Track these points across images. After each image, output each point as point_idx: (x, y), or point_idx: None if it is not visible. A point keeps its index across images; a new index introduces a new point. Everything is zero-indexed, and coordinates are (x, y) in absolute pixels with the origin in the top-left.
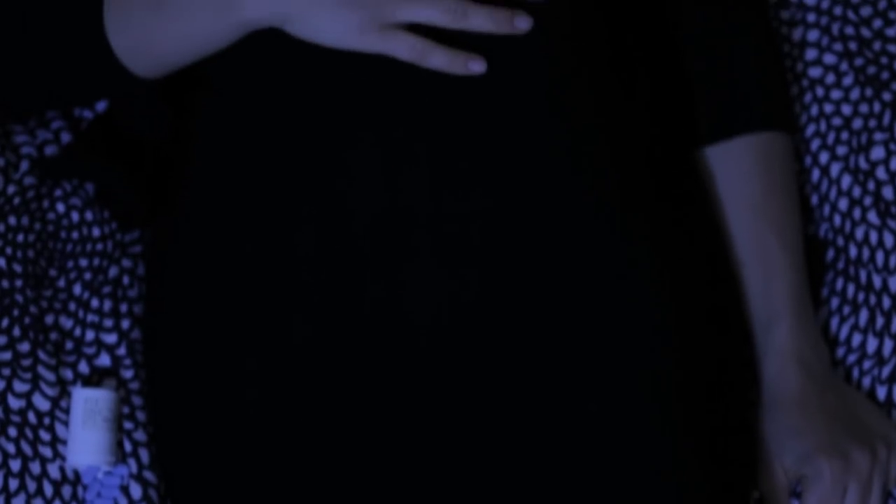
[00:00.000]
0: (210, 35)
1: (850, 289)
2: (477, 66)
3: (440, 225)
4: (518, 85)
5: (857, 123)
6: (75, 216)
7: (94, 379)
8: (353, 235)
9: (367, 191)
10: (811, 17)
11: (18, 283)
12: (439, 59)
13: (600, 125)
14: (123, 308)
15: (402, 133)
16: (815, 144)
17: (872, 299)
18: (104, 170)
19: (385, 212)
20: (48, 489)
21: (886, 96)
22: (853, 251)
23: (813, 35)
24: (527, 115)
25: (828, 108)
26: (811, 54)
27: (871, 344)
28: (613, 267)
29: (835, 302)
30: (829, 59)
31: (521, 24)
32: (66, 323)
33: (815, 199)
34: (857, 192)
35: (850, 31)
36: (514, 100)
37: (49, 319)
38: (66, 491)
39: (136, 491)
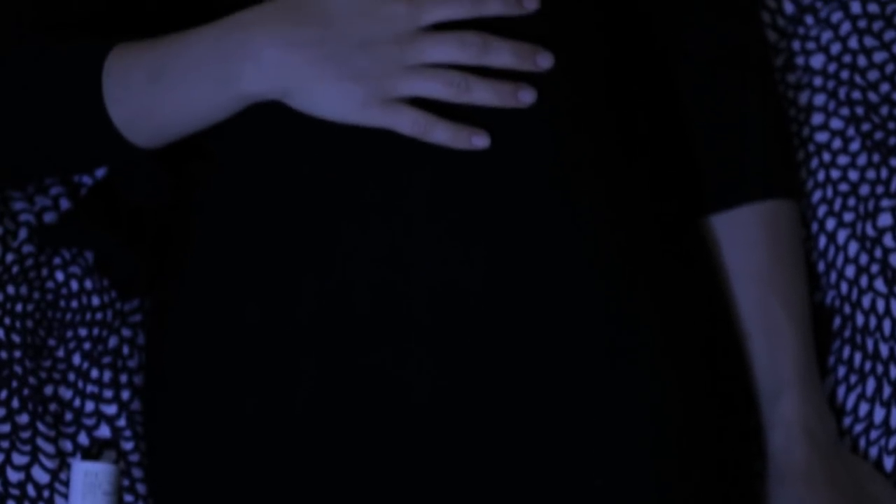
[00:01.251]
0: (210, 107)
1: (857, 357)
2: (480, 140)
3: (441, 299)
4: (521, 158)
5: (865, 190)
6: (74, 285)
7: (94, 450)
8: (354, 307)
9: (368, 262)
10: (818, 81)
11: (17, 353)
12: (442, 134)
13: (604, 198)
14: (123, 378)
15: (403, 205)
16: (821, 210)
17: (880, 368)
18: (103, 238)
19: (386, 284)
20: None
21: (894, 162)
22: (860, 319)
23: (819, 99)
24: (530, 189)
25: (835, 173)
26: (818, 119)
27: (879, 414)
28: (615, 341)
29: (841, 370)
30: (835, 123)
31: (525, 97)
32: (66, 394)
33: (821, 266)
34: (864, 259)
35: (857, 95)
36: (517, 173)
37: (48, 390)
38: None
39: None
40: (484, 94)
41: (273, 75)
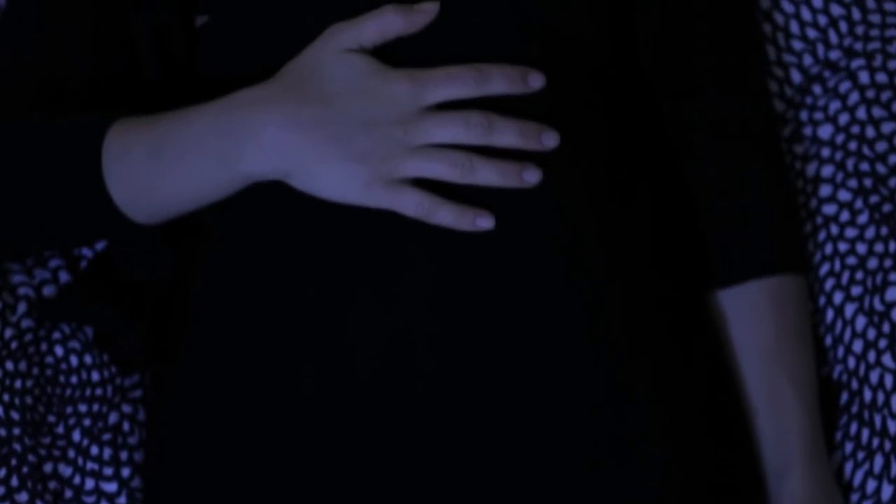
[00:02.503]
0: (210, 187)
1: (865, 434)
2: (485, 222)
3: (444, 383)
4: (523, 238)
5: (873, 263)
6: (74, 360)
7: None
8: (355, 388)
9: (368, 345)
10: (826, 153)
11: (16, 430)
12: (446, 216)
13: (606, 277)
14: (124, 456)
15: (404, 286)
16: (829, 284)
17: (888, 445)
18: (103, 313)
19: (387, 368)
20: None
21: None
22: (868, 395)
23: (827, 171)
24: (531, 270)
25: (842, 246)
26: (825, 191)
27: (886, 491)
28: (617, 424)
29: (849, 447)
30: (843, 195)
31: (530, 177)
32: (66, 471)
33: (828, 340)
34: (871, 334)
35: (865, 167)
36: (519, 254)
37: (48, 467)
38: None
39: None
40: (488, 175)
41: (274, 156)
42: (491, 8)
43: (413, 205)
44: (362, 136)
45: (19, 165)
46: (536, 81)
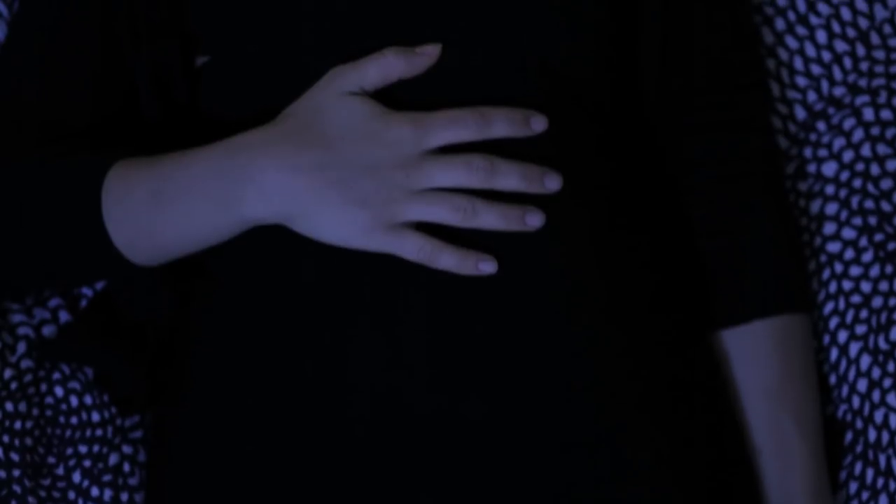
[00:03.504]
0: (211, 230)
1: (870, 473)
2: (487, 266)
3: (442, 430)
4: (526, 282)
5: (877, 302)
6: (74, 400)
7: None
8: (355, 429)
9: (368, 384)
10: (830, 190)
11: (16, 472)
12: (448, 261)
13: (610, 319)
14: (124, 497)
15: (404, 328)
16: (833, 322)
17: (892, 485)
18: (103, 353)
19: (386, 407)
20: None
21: None
22: (872, 434)
23: (831, 208)
24: (533, 314)
25: (846, 284)
26: (829, 228)
27: None
28: (618, 467)
29: (853, 486)
30: (848, 233)
31: (533, 221)
32: None
33: (833, 379)
34: (876, 373)
35: (869, 204)
36: (521, 298)
37: None
38: None
39: None
40: (491, 219)
41: (276, 200)
42: (492, 49)
43: (415, 249)
44: (364, 180)
45: (20, 206)
46: (539, 124)
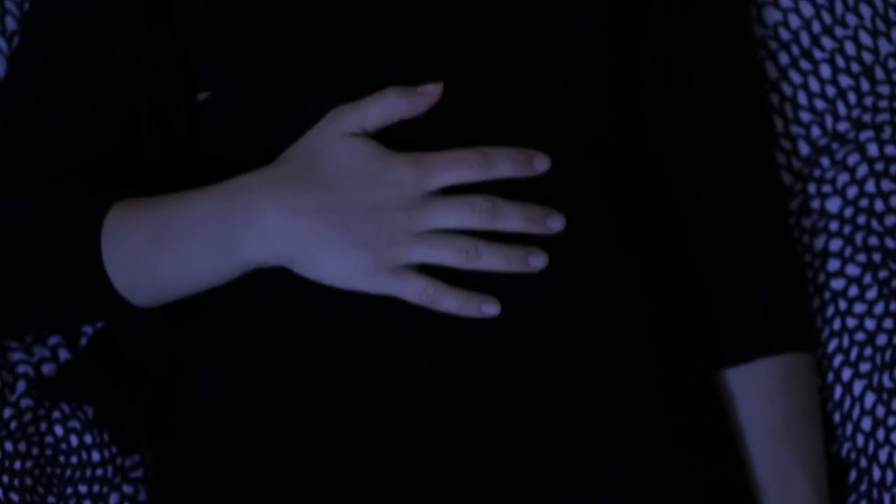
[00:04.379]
0: (211, 272)
1: None
2: (490, 308)
3: (444, 472)
4: (528, 324)
5: (882, 339)
6: (74, 440)
7: None
8: (358, 471)
9: (371, 427)
10: (834, 226)
11: None
12: (451, 303)
13: (612, 361)
14: None
15: (407, 373)
16: (837, 360)
17: None
18: (103, 392)
19: (389, 449)
20: None
21: None
22: (877, 473)
23: (835, 244)
24: (536, 357)
25: (851, 322)
26: (833, 265)
27: None
28: None
29: None
30: (852, 270)
31: (536, 262)
32: None
33: (837, 417)
34: (880, 411)
35: (873, 241)
36: (523, 340)
37: None
38: None
39: None
40: (494, 261)
41: (277, 243)
42: (493, 86)
43: (417, 292)
44: (366, 222)
45: (19, 246)
46: (542, 164)
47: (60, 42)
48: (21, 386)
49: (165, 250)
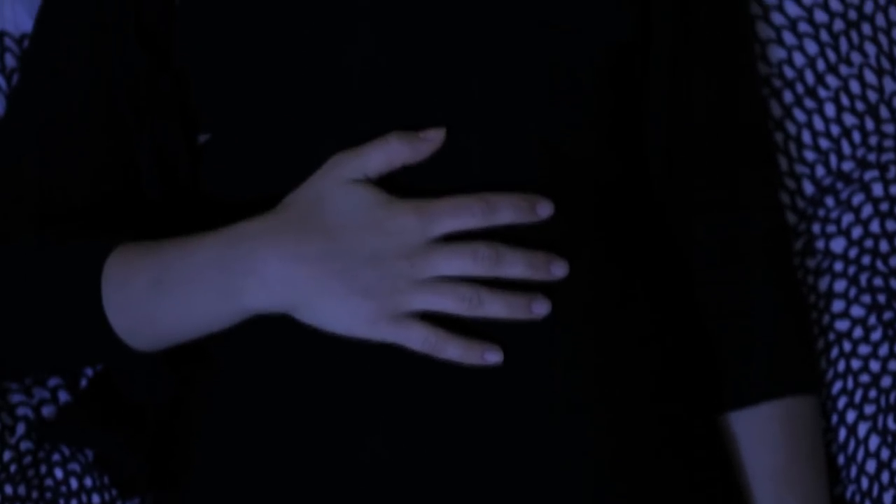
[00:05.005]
0: (212, 319)
1: None
2: (493, 356)
3: None
4: (531, 371)
5: (886, 381)
6: (74, 483)
7: None
8: None
9: (373, 474)
10: (838, 267)
11: None
12: (454, 352)
13: (615, 408)
14: None
15: (409, 422)
16: (841, 402)
17: None
18: (103, 435)
19: (391, 495)
20: None
21: None
22: None
23: (840, 285)
24: (541, 409)
25: (855, 363)
26: (838, 306)
27: None
28: None
29: None
30: (856, 311)
31: (539, 309)
32: None
33: (841, 459)
34: (885, 454)
35: (878, 282)
36: (526, 387)
37: None
38: None
39: None
40: (496, 309)
41: (278, 291)
42: (496, 132)
43: (420, 340)
44: (368, 270)
45: (18, 290)
46: (545, 210)
47: (61, 81)
48: (21, 428)
49: (166, 296)
